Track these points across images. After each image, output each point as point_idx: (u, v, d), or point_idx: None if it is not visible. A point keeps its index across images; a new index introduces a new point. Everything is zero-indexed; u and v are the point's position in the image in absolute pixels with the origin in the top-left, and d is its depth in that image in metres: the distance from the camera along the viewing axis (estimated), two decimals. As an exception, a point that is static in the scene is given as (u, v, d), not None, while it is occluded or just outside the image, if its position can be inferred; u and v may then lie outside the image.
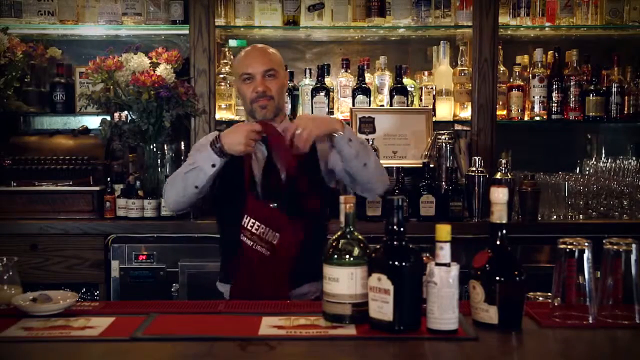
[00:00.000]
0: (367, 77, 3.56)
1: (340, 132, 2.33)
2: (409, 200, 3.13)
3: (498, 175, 3.16)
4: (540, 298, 2.02)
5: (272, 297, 2.13)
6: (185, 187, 2.36)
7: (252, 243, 2.32)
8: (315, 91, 3.50)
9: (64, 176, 3.29)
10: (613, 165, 3.46)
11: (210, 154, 2.30)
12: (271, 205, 2.35)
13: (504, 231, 1.74)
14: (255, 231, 2.31)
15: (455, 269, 1.65)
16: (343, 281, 1.71)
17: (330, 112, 3.53)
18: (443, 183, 3.27)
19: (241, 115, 3.53)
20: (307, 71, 3.60)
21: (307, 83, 3.56)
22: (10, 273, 1.91)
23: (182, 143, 3.43)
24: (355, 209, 1.77)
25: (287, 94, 3.40)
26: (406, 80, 3.59)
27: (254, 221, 2.31)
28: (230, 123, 3.59)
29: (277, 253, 2.30)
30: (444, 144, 3.30)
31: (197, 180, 2.33)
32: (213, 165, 2.30)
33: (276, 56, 2.55)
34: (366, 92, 3.51)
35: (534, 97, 3.57)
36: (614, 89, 3.56)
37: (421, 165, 3.21)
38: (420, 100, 3.60)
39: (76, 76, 3.64)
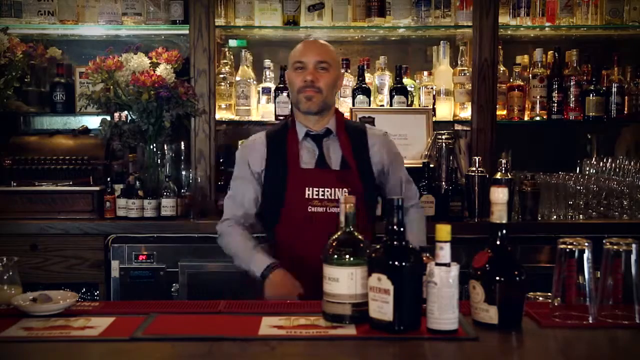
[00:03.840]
0: (367, 77, 3.56)
1: None
2: (409, 200, 3.13)
3: (498, 175, 3.16)
4: (540, 298, 2.02)
5: None
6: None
7: (323, 209, 2.39)
8: (315, 91, 3.50)
9: (64, 176, 3.29)
10: (613, 165, 3.46)
11: (254, 275, 2.38)
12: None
13: (504, 231, 1.74)
14: (322, 197, 2.39)
15: (455, 269, 1.65)
16: (343, 281, 1.71)
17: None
18: (443, 183, 3.27)
19: (241, 115, 3.53)
20: (307, 71, 3.59)
21: (307, 83, 3.56)
22: (10, 273, 1.91)
23: (182, 143, 3.43)
24: (355, 208, 1.77)
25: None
26: (406, 80, 3.59)
27: (317, 189, 2.40)
28: (230, 123, 3.60)
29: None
30: (444, 144, 3.30)
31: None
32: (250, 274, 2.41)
33: (332, 52, 2.55)
34: (366, 92, 3.51)
35: (534, 97, 3.57)
36: (614, 89, 3.55)
37: (421, 165, 3.21)
38: (420, 100, 3.60)
39: (76, 76, 3.64)
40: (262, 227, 2.58)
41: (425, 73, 3.63)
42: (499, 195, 1.73)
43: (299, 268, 2.37)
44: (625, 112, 3.60)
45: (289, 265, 2.37)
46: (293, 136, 2.51)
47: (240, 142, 3.50)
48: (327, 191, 2.41)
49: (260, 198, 2.51)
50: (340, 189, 2.41)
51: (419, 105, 3.59)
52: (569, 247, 1.75)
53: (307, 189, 2.41)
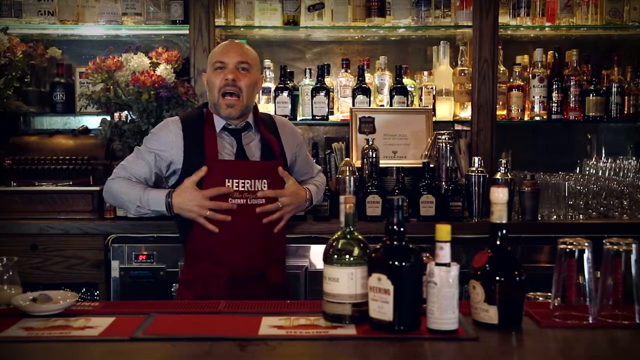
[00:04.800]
0: (367, 77, 3.56)
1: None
2: (409, 200, 3.13)
3: (498, 175, 3.16)
4: (540, 298, 2.02)
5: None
6: (125, 207, 2.59)
7: (243, 201, 2.39)
8: (315, 91, 3.50)
9: (64, 176, 3.28)
10: (613, 165, 3.46)
11: (160, 206, 2.43)
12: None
13: (504, 231, 1.74)
14: (242, 188, 2.39)
15: (455, 269, 1.65)
16: (343, 281, 1.71)
17: (331, 112, 3.54)
18: (443, 183, 3.26)
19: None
20: (307, 71, 3.60)
21: (307, 83, 3.56)
22: (10, 273, 1.91)
23: (182, 143, 3.42)
24: (355, 208, 1.77)
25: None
26: (406, 80, 3.59)
27: (237, 180, 2.39)
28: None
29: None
30: (444, 144, 3.30)
31: (140, 212, 2.50)
32: (158, 212, 2.46)
33: (253, 54, 2.54)
34: (366, 92, 3.51)
35: (534, 97, 3.57)
36: (614, 89, 3.56)
37: (421, 165, 3.21)
38: (420, 100, 3.60)
39: (76, 76, 3.64)
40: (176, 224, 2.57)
41: (425, 73, 3.64)
42: (499, 195, 1.73)
43: (219, 263, 2.40)
44: (625, 112, 3.60)
45: (210, 255, 2.42)
46: (210, 128, 2.48)
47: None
48: (248, 183, 2.40)
49: (153, 180, 2.54)
50: (261, 180, 2.42)
51: (419, 105, 3.59)
52: (569, 247, 1.75)
53: (227, 180, 2.39)
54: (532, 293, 2.03)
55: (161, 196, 2.43)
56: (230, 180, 2.39)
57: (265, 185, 2.43)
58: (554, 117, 3.56)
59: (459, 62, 3.57)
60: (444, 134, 3.33)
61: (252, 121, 2.53)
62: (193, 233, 2.45)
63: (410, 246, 1.70)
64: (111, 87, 3.27)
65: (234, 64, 2.44)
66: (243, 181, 2.40)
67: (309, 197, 2.60)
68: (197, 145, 2.44)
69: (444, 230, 1.65)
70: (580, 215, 3.31)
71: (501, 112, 3.54)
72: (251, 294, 2.27)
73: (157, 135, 2.54)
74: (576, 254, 1.73)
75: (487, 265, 1.72)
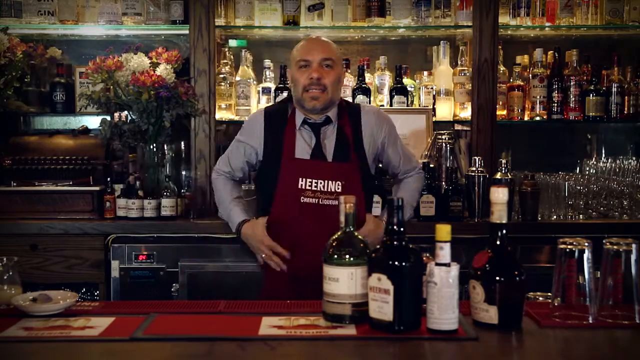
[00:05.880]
0: (367, 77, 3.56)
1: None
2: (409, 200, 3.13)
3: (498, 175, 3.16)
4: (540, 298, 2.02)
5: None
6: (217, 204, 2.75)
7: (315, 200, 2.43)
8: (315, 91, 3.50)
9: (64, 176, 3.28)
10: (613, 165, 3.46)
11: (233, 227, 2.61)
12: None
13: (504, 231, 1.74)
14: (315, 188, 2.42)
15: (455, 269, 1.65)
16: (343, 281, 1.71)
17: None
18: (443, 183, 3.26)
19: (241, 115, 3.53)
20: (307, 71, 3.59)
21: (307, 83, 3.56)
22: (10, 273, 1.91)
23: (182, 143, 3.43)
24: (355, 208, 1.77)
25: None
26: (406, 80, 3.59)
27: (310, 180, 2.43)
28: (230, 123, 3.60)
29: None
30: (444, 144, 3.30)
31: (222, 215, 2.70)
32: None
33: (335, 49, 2.56)
34: (366, 92, 3.51)
35: (534, 97, 3.57)
36: (614, 89, 3.56)
37: (421, 165, 3.20)
38: (420, 100, 3.60)
39: (76, 76, 3.64)
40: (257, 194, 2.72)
41: (425, 73, 3.63)
42: (499, 195, 1.73)
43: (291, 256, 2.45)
44: (625, 112, 3.60)
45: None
46: (292, 123, 2.53)
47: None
48: (321, 183, 2.43)
49: (247, 169, 2.67)
50: (334, 182, 2.43)
51: (419, 105, 3.59)
52: (569, 247, 1.75)
53: (300, 179, 2.44)
54: (532, 293, 2.03)
55: (236, 221, 2.59)
56: (304, 179, 2.44)
57: (340, 187, 2.45)
58: (554, 117, 3.55)
59: (459, 62, 3.57)
60: (444, 134, 3.33)
61: (333, 116, 2.54)
62: (269, 229, 2.51)
63: (410, 246, 1.70)
64: (111, 87, 3.27)
65: (318, 62, 2.46)
66: (316, 181, 2.43)
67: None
68: (276, 139, 2.52)
69: (444, 230, 1.65)
70: (580, 215, 3.31)
71: (501, 112, 3.54)
72: (313, 294, 2.28)
73: (244, 126, 2.68)
74: (576, 254, 1.74)
75: (487, 265, 1.72)
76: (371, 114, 2.63)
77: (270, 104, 3.53)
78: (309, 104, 2.47)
